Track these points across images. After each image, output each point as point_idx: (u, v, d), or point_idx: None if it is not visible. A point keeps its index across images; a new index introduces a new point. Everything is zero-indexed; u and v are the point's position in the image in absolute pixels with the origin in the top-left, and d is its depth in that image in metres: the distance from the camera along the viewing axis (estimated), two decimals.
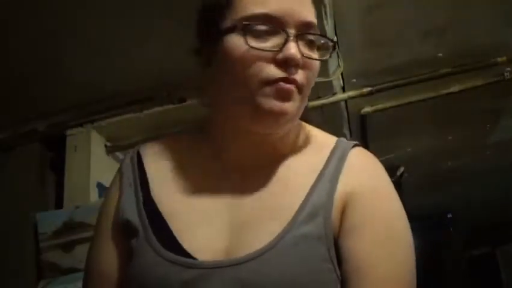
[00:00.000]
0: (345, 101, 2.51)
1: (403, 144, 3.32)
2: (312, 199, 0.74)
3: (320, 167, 0.77)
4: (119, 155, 2.46)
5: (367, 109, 2.70)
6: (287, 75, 0.71)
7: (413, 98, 2.59)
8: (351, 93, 2.44)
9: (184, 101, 2.21)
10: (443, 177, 4.03)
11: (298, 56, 0.71)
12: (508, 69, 2.47)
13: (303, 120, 0.85)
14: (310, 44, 0.74)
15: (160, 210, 0.79)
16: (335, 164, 0.77)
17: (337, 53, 2.19)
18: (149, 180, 0.82)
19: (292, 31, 0.71)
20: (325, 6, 1.80)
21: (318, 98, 2.33)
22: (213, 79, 0.78)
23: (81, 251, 2.10)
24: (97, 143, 2.39)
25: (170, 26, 1.78)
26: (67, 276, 2.08)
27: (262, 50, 0.71)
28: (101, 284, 0.81)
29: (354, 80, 2.44)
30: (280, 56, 0.71)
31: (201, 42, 0.80)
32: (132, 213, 0.79)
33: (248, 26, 0.71)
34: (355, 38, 2.21)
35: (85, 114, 2.33)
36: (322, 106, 2.36)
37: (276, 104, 0.71)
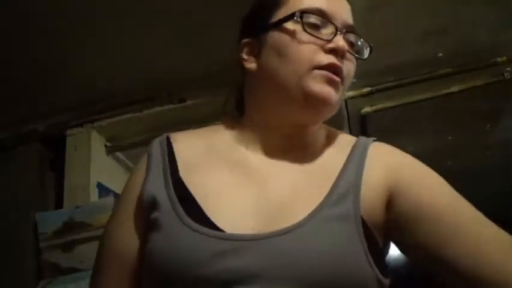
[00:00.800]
0: (345, 101, 2.51)
1: (403, 144, 3.28)
2: (341, 184, 0.77)
3: (345, 157, 0.82)
4: (119, 155, 2.46)
5: (367, 109, 2.70)
6: (336, 62, 0.79)
7: (413, 98, 2.59)
8: (351, 93, 2.44)
9: (184, 101, 2.21)
10: (443, 177, 4.03)
11: (343, 45, 0.79)
12: (508, 69, 2.47)
13: None
14: (352, 45, 0.85)
15: (189, 189, 0.78)
16: (359, 155, 0.82)
17: None
18: (178, 163, 0.83)
19: (344, 27, 0.82)
20: None
21: None
22: (260, 69, 0.84)
23: (81, 251, 2.10)
24: (97, 143, 2.39)
25: (171, 26, 1.78)
26: (67, 276, 2.08)
27: (317, 37, 0.79)
28: (116, 262, 0.80)
29: (354, 80, 2.43)
30: (330, 45, 0.79)
31: (250, 35, 0.87)
32: (159, 190, 0.79)
33: (305, 16, 0.80)
34: None
35: (85, 114, 2.33)
36: None
37: (325, 87, 0.78)
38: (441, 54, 2.41)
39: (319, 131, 0.88)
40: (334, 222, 0.72)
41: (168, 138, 0.88)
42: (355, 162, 0.81)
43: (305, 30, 0.79)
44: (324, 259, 0.68)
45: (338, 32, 0.80)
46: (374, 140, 0.87)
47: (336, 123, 2.98)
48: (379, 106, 2.67)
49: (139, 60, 2.01)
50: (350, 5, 0.88)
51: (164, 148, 0.86)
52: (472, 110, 2.91)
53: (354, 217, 0.74)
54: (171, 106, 2.24)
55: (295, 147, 0.85)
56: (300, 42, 0.79)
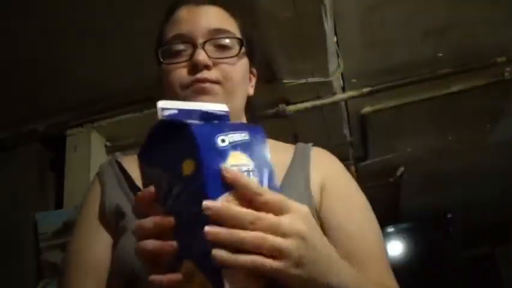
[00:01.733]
0: (345, 101, 2.51)
1: (403, 144, 3.32)
2: (292, 176, 0.84)
3: (289, 158, 0.88)
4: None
5: (367, 109, 2.70)
6: (199, 76, 0.82)
7: (413, 98, 2.59)
8: (351, 93, 2.44)
9: None
10: (443, 177, 4.03)
11: (202, 58, 0.82)
12: (508, 69, 2.47)
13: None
14: (223, 47, 0.86)
15: None
16: (302, 155, 0.88)
17: (337, 53, 2.19)
18: (132, 176, 0.88)
19: (200, 41, 0.84)
20: (325, 6, 1.80)
21: (318, 98, 2.33)
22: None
23: None
24: (97, 143, 2.39)
25: None
26: None
27: (175, 63, 0.85)
28: (93, 274, 0.81)
29: (354, 80, 2.44)
30: (190, 64, 0.83)
31: None
32: (120, 199, 0.84)
33: (161, 50, 0.87)
34: (355, 38, 2.21)
35: (85, 114, 2.33)
36: (322, 106, 2.36)
37: (199, 98, 0.82)
38: (441, 54, 2.41)
39: None
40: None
41: (116, 159, 0.94)
42: (300, 161, 0.87)
43: (164, 63, 0.86)
44: None
45: (197, 47, 0.84)
46: (313, 145, 0.93)
47: (336, 123, 2.99)
48: (379, 106, 2.67)
49: (139, 60, 2.01)
50: (217, 4, 0.90)
51: (114, 165, 0.91)
52: (472, 110, 2.91)
53: (309, 202, 0.80)
54: None
55: None
56: (168, 72, 0.85)
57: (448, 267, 4.76)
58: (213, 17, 0.88)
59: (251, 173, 0.55)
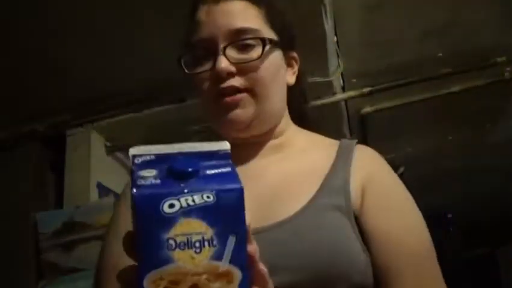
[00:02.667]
0: (345, 101, 2.51)
1: (403, 144, 3.32)
2: (331, 181, 0.79)
3: (331, 158, 0.83)
4: (119, 155, 2.46)
5: (367, 109, 2.70)
6: (222, 86, 0.79)
7: (413, 98, 2.59)
8: (351, 93, 2.44)
9: (184, 101, 2.21)
10: (443, 177, 4.03)
11: (224, 66, 0.78)
12: (508, 69, 2.47)
13: (303, 120, 0.94)
14: (247, 48, 0.81)
15: None
16: (345, 155, 0.83)
17: (337, 53, 2.19)
18: None
19: (222, 44, 0.79)
20: (325, 6, 1.80)
21: (318, 98, 2.33)
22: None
23: (81, 251, 2.11)
24: (97, 143, 2.39)
25: (171, 26, 1.78)
26: (67, 276, 2.08)
27: (198, 73, 0.81)
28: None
29: (354, 80, 2.44)
30: (213, 73, 0.79)
31: None
32: None
33: (184, 57, 0.82)
34: (355, 38, 2.21)
35: (85, 114, 2.33)
36: (322, 106, 2.36)
37: (226, 117, 0.80)
38: (441, 54, 2.41)
39: (295, 134, 0.90)
40: (328, 211, 0.73)
41: None
42: (343, 162, 0.82)
43: (189, 74, 0.82)
44: (323, 246, 0.71)
45: (219, 53, 0.79)
46: (357, 142, 0.88)
47: (336, 123, 3.00)
48: (379, 106, 2.67)
49: (139, 60, 2.01)
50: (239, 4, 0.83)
51: None
52: (472, 110, 2.91)
53: (346, 209, 0.76)
54: (171, 106, 2.24)
55: (270, 151, 0.86)
56: (195, 82, 0.83)
57: (448, 267, 4.75)
58: (233, 15, 0.81)
59: (206, 242, 0.47)
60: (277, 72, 0.84)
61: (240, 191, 0.49)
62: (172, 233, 0.47)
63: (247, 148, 0.85)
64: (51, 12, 1.74)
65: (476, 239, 5.49)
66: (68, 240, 2.13)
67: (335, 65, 2.21)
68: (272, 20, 0.85)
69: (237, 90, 0.79)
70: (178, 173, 0.49)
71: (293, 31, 0.91)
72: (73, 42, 1.90)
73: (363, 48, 2.28)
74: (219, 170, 0.51)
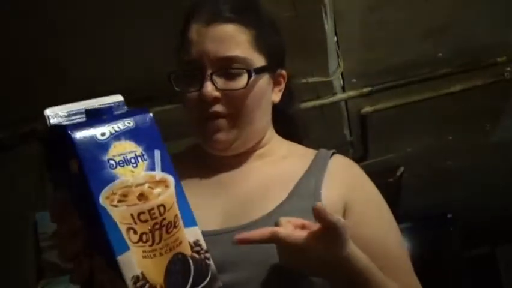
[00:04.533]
0: (345, 101, 2.51)
1: (403, 144, 3.33)
2: (302, 186, 0.83)
3: (306, 166, 0.86)
4: None
5: (367, 109, 2.70)
6: (206, 110, 0.83)
7: (413, 98, 2.59)
8: (351, 93, 2.44)
9: None
10: (443, 177, 4.04)
11: (209, 93, 0.81)
12: (508, 69, 2.47)
13: (289, 124, 0.98)
14: (233, 75, 0.83)
15: None
16: (319, 164, 0.87)
17: (337, 53, 2.19)
18: None
19: (209, 70, 0.82)
20: (325, 6, 1.80)
21: (318, 98, 2.34)
22: None
23: None
24: None
25: (171, 26, 1.78)
26: (67, 276, 2.07)
27: (186, 92, 0.85)
28: None
29: (354, 80, 2.44)
30: (199, 94, 0.83)
31: None
32: None
33: (174, 76, 0.87)
34: (355, 38, 2.21)
35: None
36: (322, 106, 2.36)
37: (209, 139, 0.84)
38: (441, 54, 2.41)
39: (276, 144, 0.93)
40: (298, 214, 0.74)
41: None
42: (316, 170, 0.85)
43: (177, 90, 0.87)
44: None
45: (206, 78, 0.82)
46: (333, 153, 0.90)
47: (336, 123, 2.99)
48: (379, 106, 2.67)
49: (139, 60, 2.01)
50: (228, 21, 0.84)
51: None
52: (472, 110, 2.91)
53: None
54: (171, 106, 2.24)
55: (253, 159, 0.90)
56: (183, 100, 0.87)
57: (448, 267, 4.76)
58: (222, 42, 0.83)
59: (139, 158, 0.56)
60: (262, 98, 0.87)
61: (151, 116, 0.60)
62: (110, 154, 0.55)
63: (231, 158, 0.88)
64: (52, 12, 1.74)
65: (476, 239, 5.49)
66: None
67: (335, 65, 2.21)
68: (262, 43, 0.86)
69: (219, 115, 0.83)
70: (96, 113, 0.59)
71: (284, 48, 0.93)
72: (73, 42, 1.90)
73: (363, 48, 2.28)
74: (124, 110, 0.61)
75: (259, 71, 0.85)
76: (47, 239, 2.14)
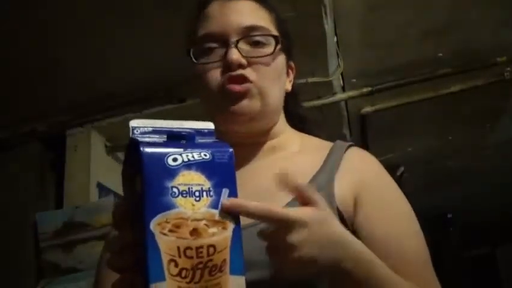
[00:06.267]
0: (345, 101, 2.51)
1: (403, 144, 3.33)
2: (316, 181, 0.79)
3: (322, 160, 0.83)
4: (119, 155, 2.46)
5: (367, 109, 2.70)
6: (233, 74, 0.80)
7: (413, 98, 2.59)
8: (351, 93, 2.44)
9: (184, 101, 2.21)
10: (443, 177, 4.04)
11: (236, 57, 0.79)
12: (508, 69, 2.47)
13: (303, 123, 0.97)
14: (258, 44, 0.83)
15: None
16: (335, 157, 0.84)
17: (337, 53, 2.19)
18: None
19: (233, 39, 0.81)
20: (325, 6, 1.80)
21: (318, 98, 2.33)
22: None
23: (81, 251, 2.11)
24: (97, 143, 2.39)
25: (171, 26, 1.78)
26: (67, 276, 2.08)
27: (207, 63, 0.82)
28: None
29: (354, 80, 2.44)
30: (223, 63, 0.81)
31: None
32: None
33: (194, 48, 0.84)
34: (355, 38, 2.21)
35: (85, 114, 2.33)
36: (322, 106, 2.36)
37: (231, 108, 0.81)
38: (441, 54, 2.41)
39: (290, 137, 0.91)
40: None
41: None
42: (331, 163, 0.83)
43: (197, 63, 0.83)
44: None
45: (230, 46, 0.81)
46: (350, 145, 0.88)
47: (336, 123, 2.99)
48: (379, 106, 2.67)
49: (138, 60, 2.01)
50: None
51: None
52: (472, 110, 2.91)
53: (330, 207, 0.75)
54: (171, 106, 2.24)
55: (266, 153, 0.88)
56: (202, 72, 0.83)
57: (448, 267, 4.75)
58: (246, 13, 0.84)
59: (204, 193, 0.55)
60: (282, 74, 0.87)
61: (231, 153, 0.58)
62: (176, 182, 0.54)
63: (243, 149, 0.85)
64: (52, 13, 1.74)
65: (476, 239, 5.49)
66: (68, 240, 2.13)
67: (335, 65, 2.21)
68: (279, 26, 0.87)
69: (246, 79, 0.80)
70: (177, 136, 0.58)
71: (292, 42, 0.93)
72: (73, 43, 1.90)
73: (363, 48, 2.28)
74: (209, 140, 0.60)
75: (284, 40, 0.86)
76: (47, 239, 2.14)
